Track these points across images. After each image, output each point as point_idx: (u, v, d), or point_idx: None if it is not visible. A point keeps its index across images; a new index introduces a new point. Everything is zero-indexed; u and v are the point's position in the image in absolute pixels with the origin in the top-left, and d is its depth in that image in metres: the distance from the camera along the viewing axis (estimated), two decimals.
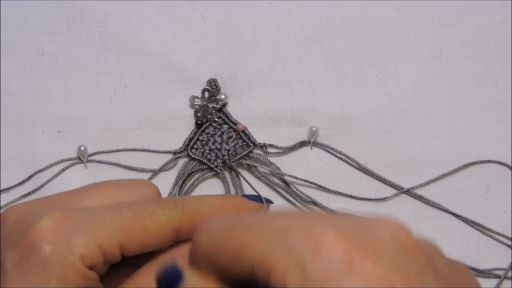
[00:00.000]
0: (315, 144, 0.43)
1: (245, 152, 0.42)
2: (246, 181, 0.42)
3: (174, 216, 0.33)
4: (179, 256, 0.34)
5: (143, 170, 0.43)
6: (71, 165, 0.43)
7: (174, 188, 0.42)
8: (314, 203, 0.42)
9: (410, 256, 0.25)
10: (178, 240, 0.34)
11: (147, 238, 0.32)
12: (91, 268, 0.31)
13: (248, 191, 0.42)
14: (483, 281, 0.41)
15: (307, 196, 0.42)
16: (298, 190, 0.42)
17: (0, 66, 0.44)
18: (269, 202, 0.37)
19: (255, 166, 0.42)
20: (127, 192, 0.35)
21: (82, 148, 0.42)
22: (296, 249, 0.25)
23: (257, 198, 0.37)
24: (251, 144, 0.43)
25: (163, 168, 0.42)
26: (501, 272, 0.41)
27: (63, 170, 0.42)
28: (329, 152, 0.43)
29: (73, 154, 0.43)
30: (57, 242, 0.30)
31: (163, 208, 0.33)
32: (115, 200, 0.34)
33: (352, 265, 0.24)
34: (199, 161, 0.43)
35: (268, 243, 0.26)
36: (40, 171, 0.42)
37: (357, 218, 0.28)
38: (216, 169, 0.42)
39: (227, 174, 0.43)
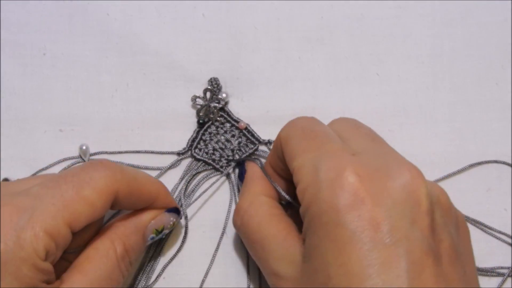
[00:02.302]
0: None
1: (250, 151, 0.42)
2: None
3: (112, 179, 0.34)
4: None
5: (146, 168, 0.42)
6: (73, 164, 0.43)
7: (179, 188, 0.42)
8: None
9: (410, 207, 0.29)
10: (116, 207, 0.35)
11: (90, 208, 0.33)
12: (46, 256, 0.31)
13: None
14: (484, 280, 0.41)
15: None
16: None
17: (1, 65, 0.44)
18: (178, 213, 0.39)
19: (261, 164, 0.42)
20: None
21: (84, 147, 0.42)
22: (319, 173, 0.30)
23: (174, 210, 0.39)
24: (255, 142, 0.43)
25: (168, 167, 0.42)
26: (503, 271, 0.41)
27: (65, 169, 0.42)
28: None
29: (75, 153, 0.43)
30: (7, 240, 0.30)
31: (100, 171, 0.34)
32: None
33: (355, 202, 0.28)
34: (204, 161, 0.42)
35: (307, 159, 0.32)
36: (42, 170, 0.42)
37: (383, 157, 0.32)
38: (221, 169, 0.42)
39: (232, 174, 0.43)
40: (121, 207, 0.36)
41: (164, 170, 0.42)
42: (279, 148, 0.36)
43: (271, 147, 0.43)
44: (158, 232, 0.37)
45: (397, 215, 0.28)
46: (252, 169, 0.40)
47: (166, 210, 0.38)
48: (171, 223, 0.38)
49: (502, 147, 0.43)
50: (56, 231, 0.32)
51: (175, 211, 0.38)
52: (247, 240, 0.36)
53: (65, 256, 0.35)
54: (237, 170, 0.42)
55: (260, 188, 0.38)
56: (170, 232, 0.41)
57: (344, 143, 0.33)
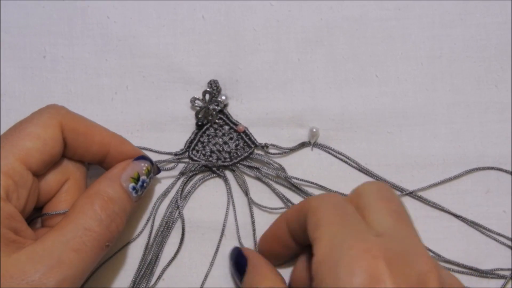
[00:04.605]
0: (315, 145, 0.43)
1: (245, 154, 0.42)
2: (234, 183, 0.42)
3: (55, 113, 0.36)
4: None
5: None
6: None
7: (175, 189, 0.42)
8: None
9: None
10: (71, 150, 0.37)
11: (38, 141, 0.35)
12: (8, 198, 0.33)
13: (251, 192, 0.42)
14: (483, 282, 0.41)
15: (313, 194, 0.42)
16: (303, 189, 0.42)
17: (1, 68, 0.44)
18: (158, 169, 0.41)
19: (255, 167, 0.42)
20: None
21: None
22: (340, 248, 0.30)
23: (147, 159, 0.40)
24: (251, 145, 0.43)
25: (163, 169, 0.42)
26: (503, 273, 0.41)
27: None
28: (329, 153, 0.43)
29: None
30: None
31: (41, 111, 0.36)
32: None
33: (372, 283, 0.28)
34: (201, 163, 0.43)
35: (331, 232, 0.32)
36: None
37: (404, 241, 0.31)
38: (217, 171, 0.43)
39: (228, 176, 0.43)
40: (75, 150, 0.37)
41: (161, 169, 0.43)
42: (303, 214, 0.35)
43: (267, 150, 0.43)
44: (136, 180, 0.38)
45: None
46: (254, 258, 0.38)
47: (134, 159, 0.39)
48: (144, 168, 0.38)
49: (501, 149, 0.43)
50: (10, 169, 0.33)
51: (143, 158, 0.39)
52: None
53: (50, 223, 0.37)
54: (232, 172, 0.43)
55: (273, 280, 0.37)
56: (171, 225, 0.41)
57: (368, 224, 0.33)
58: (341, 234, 0.31)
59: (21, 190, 0.34)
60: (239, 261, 0.39)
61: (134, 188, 0.37)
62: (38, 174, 0.36)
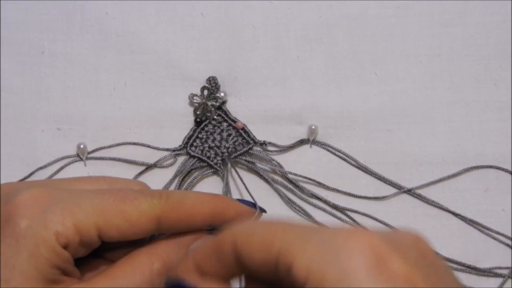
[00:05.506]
0: (314, 142, 0.43)
1: (244, 149, 0.42)
2: (242, 180, 0.42)
3: (157, 205, 0.33)
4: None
5: (142, 164, 0.43)
6: (70, 163, 0.43)
7: (173, 186, 0.42)
8: (317, 197, 0.42)
9: (430, 261, 0.26)
10: (159, 231, 0.34)
11: (126, 223, 0.32)
12: (66, 247, 0.31)
13: (249, 189, 0.42)
14: (481, 280, 0.41)
15: (311, 191, 0.42)
16: (301, 186, 0.42)
17: (0, 63, 0.44)
18: (262, 210, 0.36)
19: (253, 163, 0.42)
20: (117, 184, 0.35)
21: (82, 146, 0.42)
22: (326, 242, 0.25)
23: (251, 204, 0.36)
24: (250, 142, 0.43)
25: (162, 165, 0.42)
26: (501, 271, 0.41)
27: (62, 167, 0.43)
28: (328, 150, 0.43)
29: (73, 151, 0.43)
30: (33, 217, 0.30)
31: (146, 196, 0.33)
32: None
33: (381, 261, 0.25)
34: (199, 158, 0.43)
35: (294, 237, 0.26)
36: (40, 168, 0.42)
37: (382, 230, 0.29)
38: (215, 166, 0.42)
39: (226, 172, 0.43)
40: (172, 230, 0.34)
41: (153, 165, 0.42)
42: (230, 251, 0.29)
43: (266, 147, 0.43)
44: None
45: (424, 269, 0.26)
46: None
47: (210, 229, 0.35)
48: None
49: (500, 148, 0.43)
50: (84, 229, 0.31)
51: None
52: None
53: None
54: (232, 170, 0.42)
55: None
56: None
57: None
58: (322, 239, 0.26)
59: (82, 248, 0.32)
60: None
61: None
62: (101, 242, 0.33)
